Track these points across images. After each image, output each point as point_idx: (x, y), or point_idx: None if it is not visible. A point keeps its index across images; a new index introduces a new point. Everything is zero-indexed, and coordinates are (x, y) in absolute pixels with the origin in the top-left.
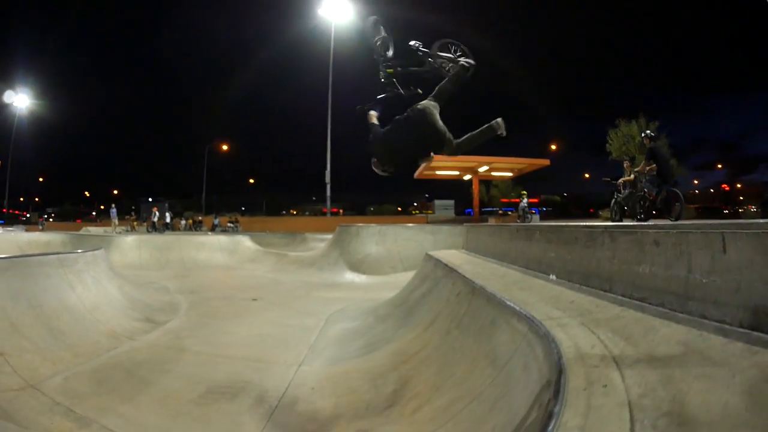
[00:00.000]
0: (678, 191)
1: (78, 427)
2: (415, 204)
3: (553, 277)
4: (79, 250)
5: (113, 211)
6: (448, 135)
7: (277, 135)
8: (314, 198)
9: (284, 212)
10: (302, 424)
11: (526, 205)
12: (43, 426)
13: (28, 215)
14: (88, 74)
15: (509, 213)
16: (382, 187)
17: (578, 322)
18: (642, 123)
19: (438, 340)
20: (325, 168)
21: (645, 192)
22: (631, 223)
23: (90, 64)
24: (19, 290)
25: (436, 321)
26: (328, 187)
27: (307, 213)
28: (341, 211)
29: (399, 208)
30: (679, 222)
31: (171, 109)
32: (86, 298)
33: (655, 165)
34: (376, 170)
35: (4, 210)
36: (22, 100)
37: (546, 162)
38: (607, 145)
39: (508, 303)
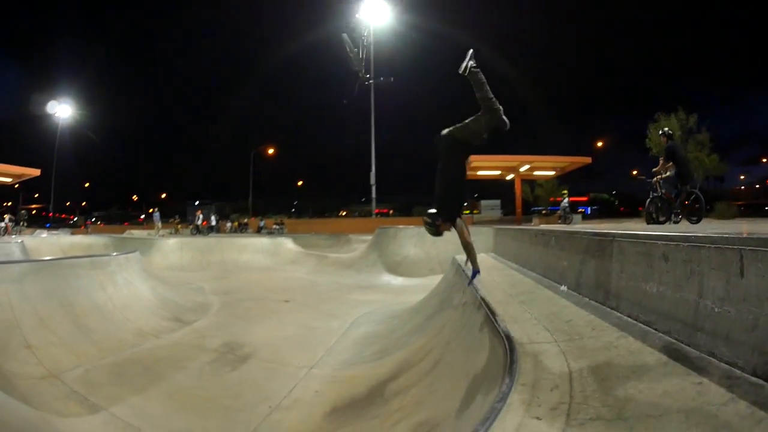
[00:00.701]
0: (698, 192)
1: (88, 412)
2: (466, 204)
3: (564, 288)
4: (114, 253)
5: (156, 214)
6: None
7: (324, 137)
8: (363, 199)
9: (333, 214)
10: (293, 427)
11: (567, 204)
12: (56, 410)
13: (75, 219)
14: (135, 80)
15: (556, 212)
16: (431, 188)
17: (559, 350)
18: (681, 116)
19: (438, 351)
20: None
21: (662, 193)
22: (644, 233)
23: (137, 70)
24: (51, 290)
25: (442, 331)
26: (373, 188)
27: (356, 214)
28: (391, 211)
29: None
30: (690, 233)
31: (220, 113)
32: (116, 298)
33: (671, 164)
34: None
35: (51, 214)
36: (64, 109)
37: (587, 160)
38: (647, 140)
39: (498, 322)
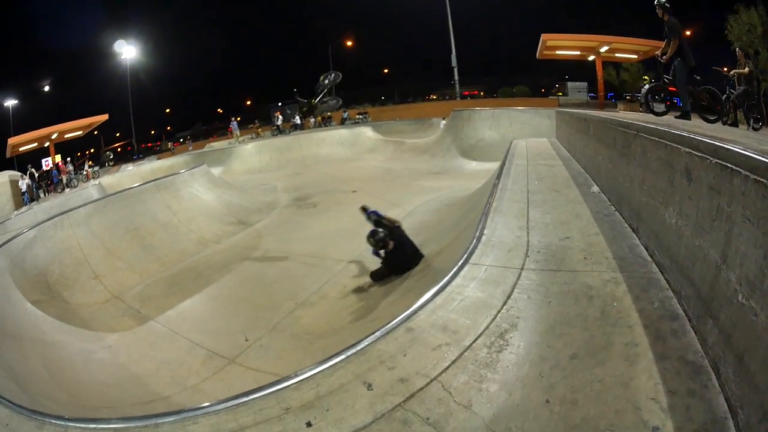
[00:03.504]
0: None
1: (137, 324)
2: (557, 85)
3: (595, 189)
4: (183, 171)
5: (234, 123)
6: None
7: (405, 22)
8: (452, 82)
9: (418, 99)
10: (308, 322)
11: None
12: (110, 327)
13: (160, 144)
14: None
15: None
16: (519, 69)
17: (526, 282)
18: (762, 11)
19: (457, 243)
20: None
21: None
22: (668, 129)
23: None
24: (116, 221)
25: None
26: (455, 70)
27: (447, 97)
28: (482, 93)
29: (542, 90)
30: (727, 143)
31: (295, 10)
32: (181, 212)
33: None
34: None
35: (136, 146)
36: (130, 49)
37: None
38: (726, 32)
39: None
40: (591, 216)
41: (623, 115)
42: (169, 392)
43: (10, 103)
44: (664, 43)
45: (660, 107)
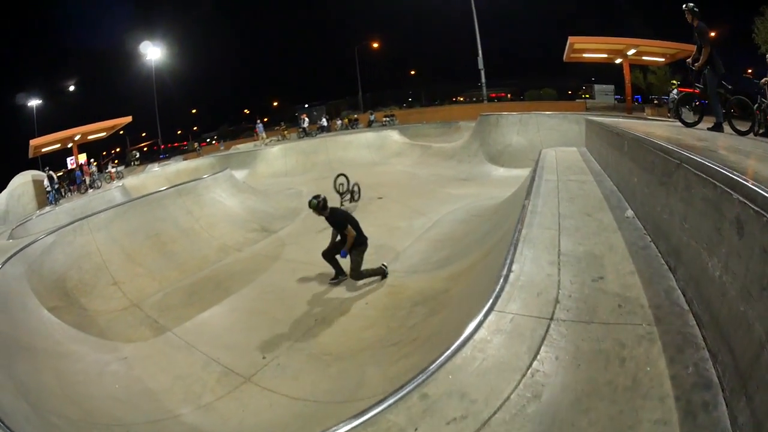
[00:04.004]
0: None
1: (153, 335)
2: (584, 87)
3: (629, 214)
4: (206, 176)
5: (260, 125)
6: None
7: (431, 23)
8: (479, 84)
9: (445, 101)
10: (325, 342)
11: (676, 96)
12: (126, 336)
13: (186, 145)
14: None
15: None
16: (546, 72)
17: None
18: None
19: (483, 265)
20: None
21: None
22: (718, 167)
23: None
24: (137, 227)
25: (498, 245)
26: (482, 73)
27: (474, 99)
28: (509, 95)
29: (569, 92)
30: None
31: (322, 12)
32: (203, 219)
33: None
34: None
35: (162, 146)
36: (155, 50)
37: None
38: (753, 35)
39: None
40: (626, 248)
41: (656, 127)
42: (182, 410)
43: (35, 103)
44: (695, 48)
45: (691, 117)
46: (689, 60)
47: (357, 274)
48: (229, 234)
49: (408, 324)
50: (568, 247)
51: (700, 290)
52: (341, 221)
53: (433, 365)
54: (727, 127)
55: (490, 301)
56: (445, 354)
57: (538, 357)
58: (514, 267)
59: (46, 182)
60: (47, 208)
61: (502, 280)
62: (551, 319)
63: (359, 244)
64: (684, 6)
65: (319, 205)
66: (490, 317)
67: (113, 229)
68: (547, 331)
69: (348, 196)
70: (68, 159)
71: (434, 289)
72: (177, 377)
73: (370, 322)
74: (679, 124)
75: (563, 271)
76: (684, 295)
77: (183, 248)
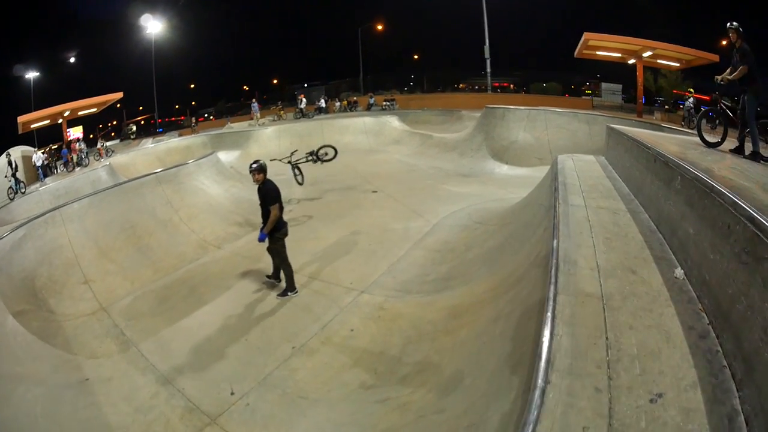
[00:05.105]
0: None
1: (119, 351)
2: (588, 83)
3: (679, 274)
4: (190, 161)
5: (254, 105)
6: None
7: (438, 7)
8: (483, 72)
9: (447, 88)
10: (304, 379)
11: (692, 105)
12: (91, 350)
13: (183, 119)
14: None
15: (680, 106)
16: (550, 65)
17: None
18: None
19: (493, 308)
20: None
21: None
22: None
23: None
24: (113, 218)
25: (508, 280)
26: (488, 62)
27: (477, 88)
28: (512, 86)
29: (572, 87)
30: None
31: None
32: (183, 209)
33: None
34: None
35: (159, 120)
36: (155, 24)
37: (715, 57)
38: None
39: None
40: (684, 340)
41: (684, 147)
42: None
43: (31, 76)
44: (730, 69)
45: (713, 137)
46: (719, 77)
47: (277, 269)
48: (209, 227)
49: (398, 373)
50: (618, 335)
51: None
52: (272, 195)
53: None
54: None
55: None
56: None
57: None
58: (551, 376)
59: (35, 158)
60: (37, 185)
61: (537, 398)
62: None
63: (281, 227)
64: (729, 24)
65: (252, 168)
66: None
67: (87, 221)
68: None
69: (313, 158)
70: (68, 130)
71: (432, 322)
72: (138, 410)
73: (355, 358)
74: (698, 138)
75: (615, 386)
76: (746, 423)
77: (159, 243)
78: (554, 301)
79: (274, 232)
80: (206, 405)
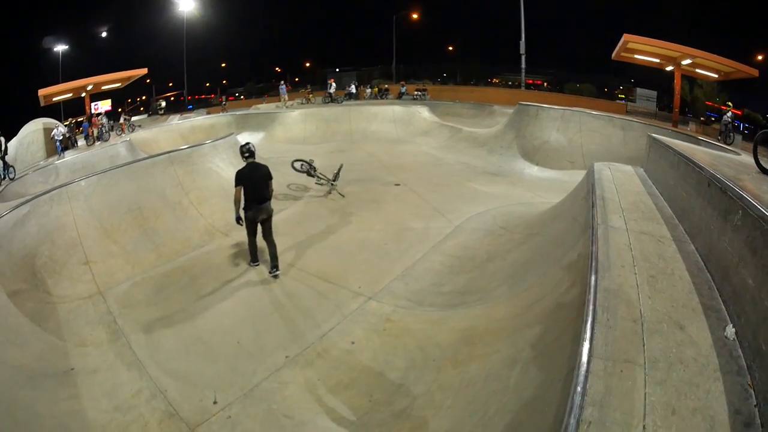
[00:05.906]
0: None
1: (109, 340)
2: (621, 87)
3: (730, 333)
4: (207, 141)
5: (282, 87)
6: None
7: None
8: (518, 68)
9: (480, 82)
10: (291, 397)
11: (730, 120)
12: (81, 336)
13: (213, 97)
14: None
15: (713, 119)
16: (585, 66)
17: None
18: None
19: (510, 344)
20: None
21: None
22: None
23: None
24: (120, 198)
25: (533, 310)
26: (523, 58)
27: (510, 84)
28: (546, 83)
29: (605, 90)
30: None
31: None
32: (193, 192)
33: None
34: None
35: (189, 97)
36: (187, 2)
37: (754, 72)
38: None
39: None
40: (728, 425)
41: (733, 168)
42: None
43: (60, 48)
44: None
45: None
46: None
47: (274, 257)
48: (219, 212)
49: (395, 406)
50: (657, 422)
51: None
52: (242, 177)
53: None
54: None
55: None
56: None
57: None
58: None
59: (55, 131)
60: (54, 157)
61: None
62: None
63: (246, 209)
64: None
65: (241, 149)
66: None
67: (94, 199)
68: None
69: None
70: (93, 104)
71: (440, 346)
72: (117, 408)
73: (351, 377)
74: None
75: None
76: None
77: (165, 226)
78: (587, 368)
79: (244, 212)
80: (186, 411)
